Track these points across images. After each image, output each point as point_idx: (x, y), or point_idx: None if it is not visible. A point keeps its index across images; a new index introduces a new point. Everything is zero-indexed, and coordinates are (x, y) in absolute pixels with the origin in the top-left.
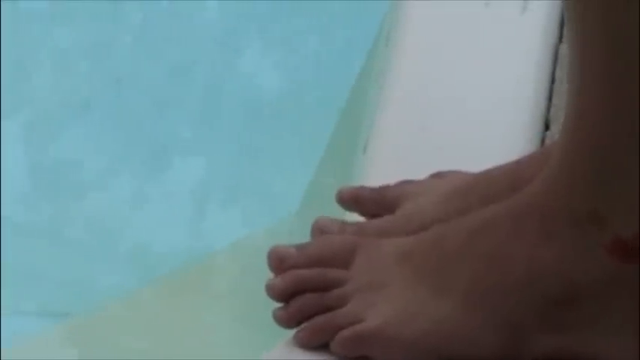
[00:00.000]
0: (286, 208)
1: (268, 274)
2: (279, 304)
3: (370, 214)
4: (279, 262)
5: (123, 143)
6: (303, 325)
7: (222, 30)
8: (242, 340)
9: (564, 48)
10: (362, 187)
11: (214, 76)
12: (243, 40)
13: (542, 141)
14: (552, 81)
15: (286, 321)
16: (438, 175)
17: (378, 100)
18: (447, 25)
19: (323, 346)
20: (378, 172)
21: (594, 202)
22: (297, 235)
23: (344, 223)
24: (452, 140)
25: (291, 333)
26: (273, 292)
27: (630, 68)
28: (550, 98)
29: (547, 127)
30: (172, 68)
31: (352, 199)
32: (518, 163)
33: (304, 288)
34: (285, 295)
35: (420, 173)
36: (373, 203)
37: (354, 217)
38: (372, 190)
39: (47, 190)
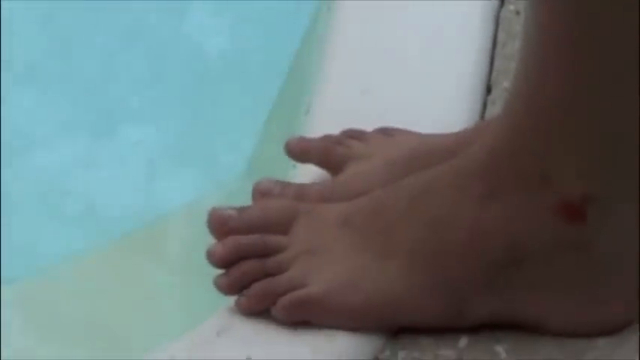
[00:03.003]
0: (234, 170)
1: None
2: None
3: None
4: (219, 224)
5: (70, 108)
6: (243, 292)
7: None
8: (191, 303)
9: (505, 11)
10: (310, 140)
11: (159, 40)
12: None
13: (484, 104)
14: (494, 44)
15: (227, 288)
16: (385, 132)
17: (320, 63)
18: None
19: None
20: (320, 134)
21: (542, 163)
22: (245, 197)
23: (285, 185)
24: (393, 102)
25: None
26: (214, 259)
27: (589, 33)
28: (492, 62)
29: (489, 90)
30: (119, 33)
31: (300, 152)
32: (462, 132)
33: (245, 254)
34: (225, 261)
35: None
36: (320, 160)
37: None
38: (320, 145)
39: None
